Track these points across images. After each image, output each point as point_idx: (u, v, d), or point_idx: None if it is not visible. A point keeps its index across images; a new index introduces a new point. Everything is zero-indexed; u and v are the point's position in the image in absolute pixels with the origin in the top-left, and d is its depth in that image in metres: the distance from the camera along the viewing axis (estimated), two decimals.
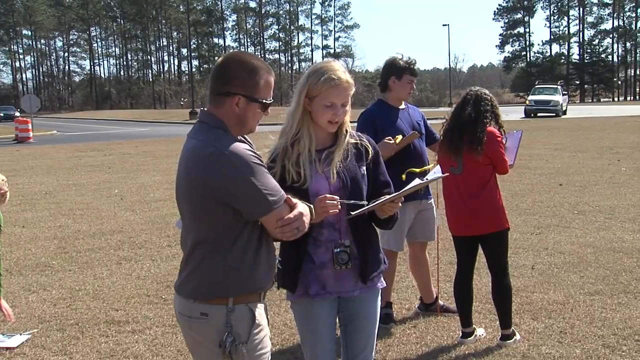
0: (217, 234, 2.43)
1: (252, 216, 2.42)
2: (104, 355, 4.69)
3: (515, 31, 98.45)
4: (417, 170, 4.75)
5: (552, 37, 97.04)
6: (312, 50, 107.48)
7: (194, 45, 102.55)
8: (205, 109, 2.55)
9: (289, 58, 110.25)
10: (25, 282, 6.60)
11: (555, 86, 43.12)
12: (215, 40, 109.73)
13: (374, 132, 4.71)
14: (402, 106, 5.11)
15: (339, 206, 2.73)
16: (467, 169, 4.52)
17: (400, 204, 2.91)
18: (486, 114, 4.49)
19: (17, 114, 57.26)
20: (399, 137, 4.79)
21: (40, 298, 6.04)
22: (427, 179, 2.95)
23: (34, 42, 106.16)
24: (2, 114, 44.79)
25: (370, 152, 3.00)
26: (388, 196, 2.81)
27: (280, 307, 5.42)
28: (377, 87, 5.24)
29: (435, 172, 3.62)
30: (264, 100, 2.50)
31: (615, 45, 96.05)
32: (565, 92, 45.64)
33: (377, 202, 2.80)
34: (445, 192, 4.74)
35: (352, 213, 2.77)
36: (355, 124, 3.73)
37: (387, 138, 4.74)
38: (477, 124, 4.46)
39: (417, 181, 2.84)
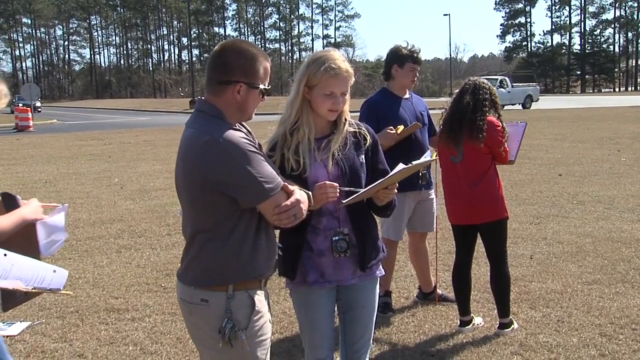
0: (216, 221, 2.44)
1: (249, 204, 2.43)
2: (104, 343, 4.72)
3: (517, 21, 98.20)
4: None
5: (553, 27, 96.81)
6: (312, 40, 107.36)
7: (195, 35, 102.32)
8: (203, 97, 2.56)
9: (289, 47, 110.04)
10: None
11: (496, 78, 40.30)
12: (216, 29, 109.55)
13: (376, 121, 4.71)
14: (406, 95, 5.10)
15: (338, 193, 2.75)
16: (466, 158, 4.53)
17: (396, 191, 2.91)
18: (485, 102, 4.49)
19: (38, 103, 55.98)
20: (401, 127, 4.78)
21: None
22: (412, 163, 2.91)
23: (33, 31, 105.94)
24: (20, 104, 43.42)
25: (368, 141, 3.00)
26: (378, 182, 2.80)
27: (279, 296, 5.45)
28: (379, 77, 5.25)
29: (425, 156, 3.60)
30: (263, 87, 2.52)
31: (617, 36, 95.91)
32: (532, 85, 42.73)
33: (367, 189, 2.81)
34: (444, 181, 4.75)
35: (344, 202, 2.77)
36: (355, 113, 3.73)
37: (388, 128, 4.74)
38: (476, 112, 4.46)
39: (401, 166, 2.81)
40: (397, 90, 5.05)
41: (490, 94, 4.54)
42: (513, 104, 38.78)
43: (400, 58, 4.98)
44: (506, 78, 40.72)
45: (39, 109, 53.01)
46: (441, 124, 4.69)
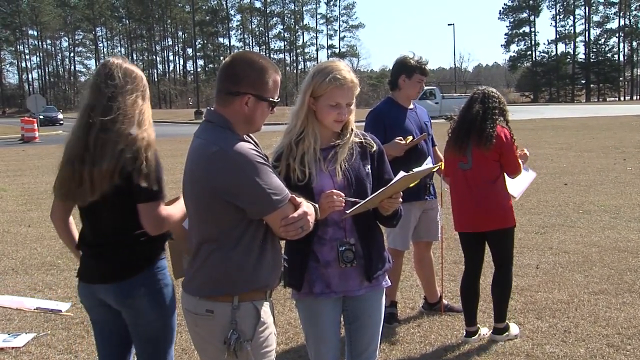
0: (222, 232, 2.44)
1: (256, 215, 2.43)
2: None
3: (521, 30, 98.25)
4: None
5: (557, 36, 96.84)
6: (317, 50, 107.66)
7: (199, 45, 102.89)
8: (212, 108, 2.57)
9: (294, 58, 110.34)
10: (31, 281, 6.62)
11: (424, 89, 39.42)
12: (221, 40, 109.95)
13: (382, 130, 4.74)
14: (411, 106, 5.12)
15: (344, 203, 2.74)
16: (476, 164, 4.53)
17: (400, 200, 2.91)
18: (494, 111, 4.51)
19: (60, 115, 52.72)
20: (410, 138, 4.81)
21: (46, 297, 6.04)
22: (413, 171, 2.90)
23: (40, 43, 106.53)
24: (41, 117, 39.52)
25: (374, 151, 3.01)
26: (379, 191, 2.79)
27: (284, 306, 5.44)
28: (384, 87, 5.26)
29: (427, 162, 3.59)
30: (272, 99, 2.52)
31: (622, 45, 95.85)
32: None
33: (370, 198, 2.80)
34: (452, 189, 4.74)
35: (348, 212, 2.77)
36: (360, 123, 3.72)
37: (398, 138, 4.76)
38: (485, 120, 4.48)
39: (402, 174, 2.80)
40: (402, 100, 5.06)
41: (499, 103, 4.57)
42: (444, 117, 37.86)
43: (409, 69, 4.99)
44: (435, 88, 39.99)
45: (61, 121, 49.60)
46: (449, 133, 4.70)
